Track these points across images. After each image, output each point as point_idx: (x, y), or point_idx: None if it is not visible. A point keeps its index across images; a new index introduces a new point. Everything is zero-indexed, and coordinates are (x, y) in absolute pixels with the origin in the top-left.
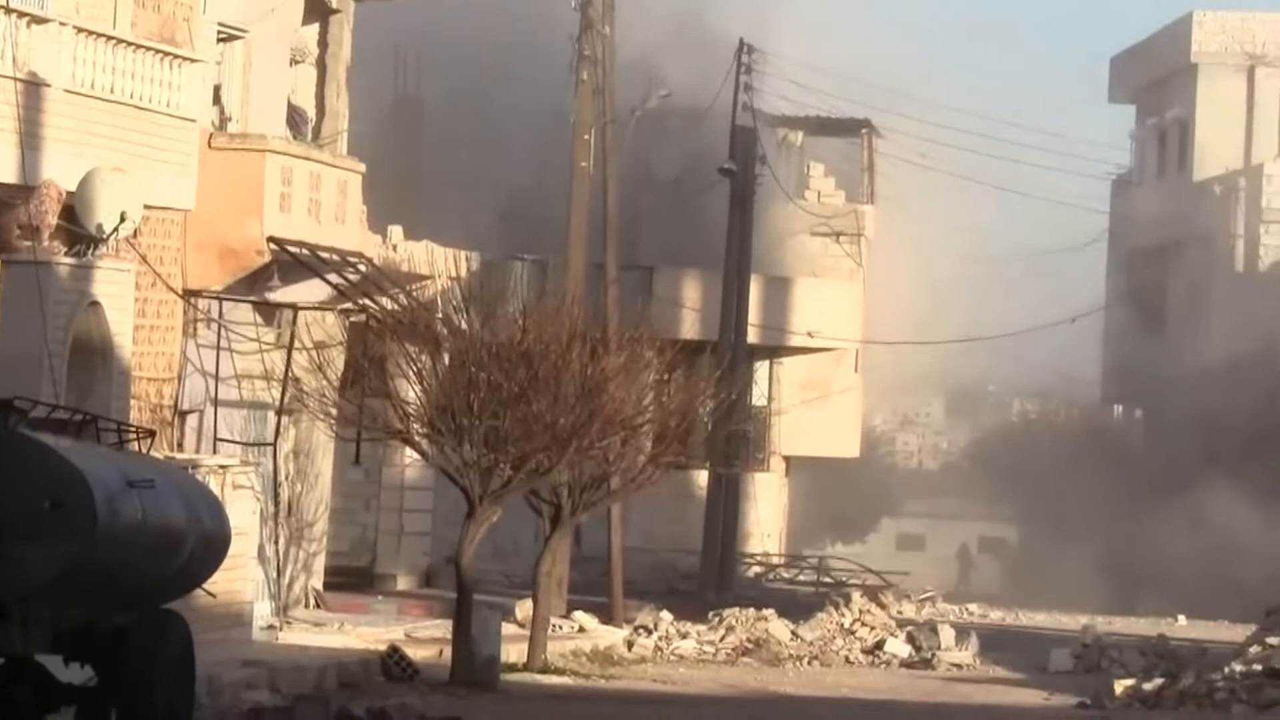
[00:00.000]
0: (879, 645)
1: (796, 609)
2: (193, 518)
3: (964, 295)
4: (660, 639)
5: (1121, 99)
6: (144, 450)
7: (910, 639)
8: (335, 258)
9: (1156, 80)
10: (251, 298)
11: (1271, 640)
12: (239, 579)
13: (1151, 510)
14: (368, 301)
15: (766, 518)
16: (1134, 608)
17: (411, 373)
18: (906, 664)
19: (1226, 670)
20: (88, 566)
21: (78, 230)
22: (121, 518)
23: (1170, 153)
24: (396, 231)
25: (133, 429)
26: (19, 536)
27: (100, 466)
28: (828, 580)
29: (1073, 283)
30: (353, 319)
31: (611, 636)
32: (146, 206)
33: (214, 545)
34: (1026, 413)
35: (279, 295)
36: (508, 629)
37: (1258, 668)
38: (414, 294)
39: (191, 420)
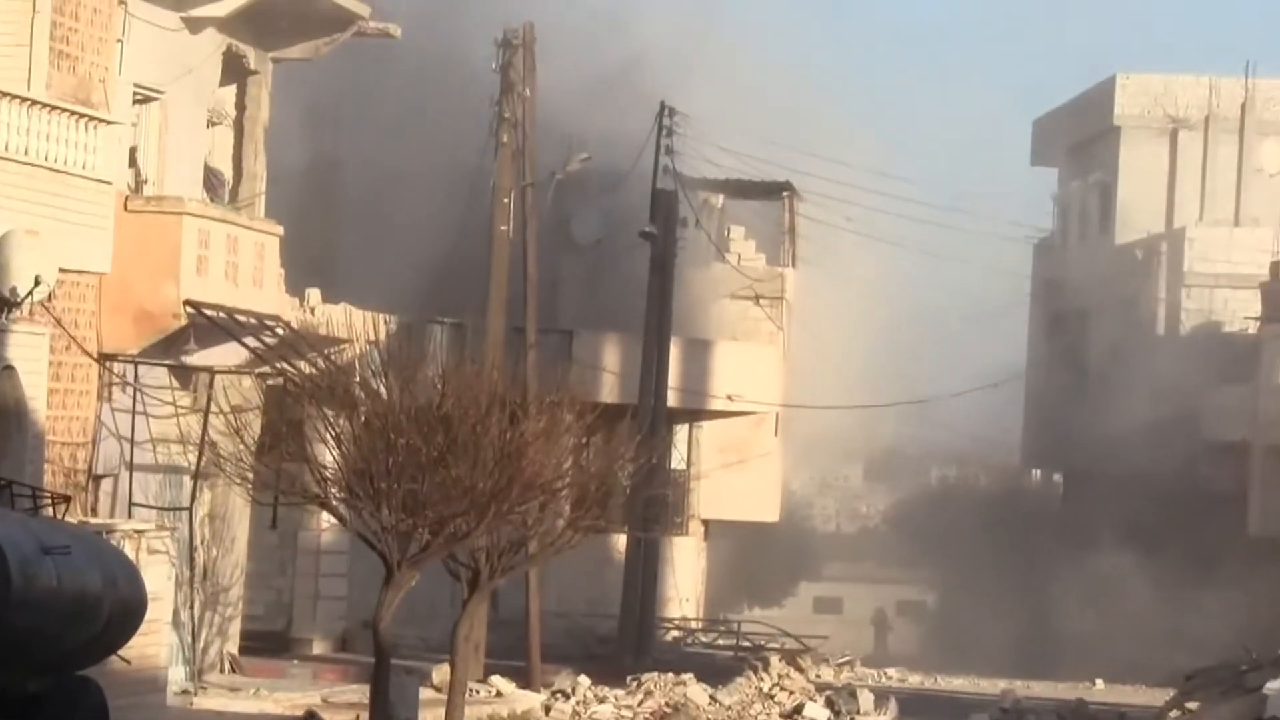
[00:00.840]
0: (798, 709)
1: (715, 673)
2: (109, 584)
3: (885, 359)
4: (578, 703)
5: (1044, 162)
6: (59, 516)
7: (829, 703)
8: (252, 321)
9: (1079, 143)
10: (168, 361)
11: (1190, 705)
12: (153, 644)
13: (1067, 576)
14: (285, 365)
15: (684, 582)
16: (1052, 672)
17: (329, 436)
18: None
19: None
20: (2, 633)
21: None
22: (37, 584)
23: (1092, 215)
24: (314, 294)
25: (48, 494)
26: None
27: (15, 532)
28: (746, 644)
29: (995, 346)
30: (270, 382)
31: (529, 701)
32: (61, 270)
33: (130, 611)
34: (946, 477)
35: (195, 359)
36: (425, 694)
37: None
38: (332, 357)
39: (106, 485)
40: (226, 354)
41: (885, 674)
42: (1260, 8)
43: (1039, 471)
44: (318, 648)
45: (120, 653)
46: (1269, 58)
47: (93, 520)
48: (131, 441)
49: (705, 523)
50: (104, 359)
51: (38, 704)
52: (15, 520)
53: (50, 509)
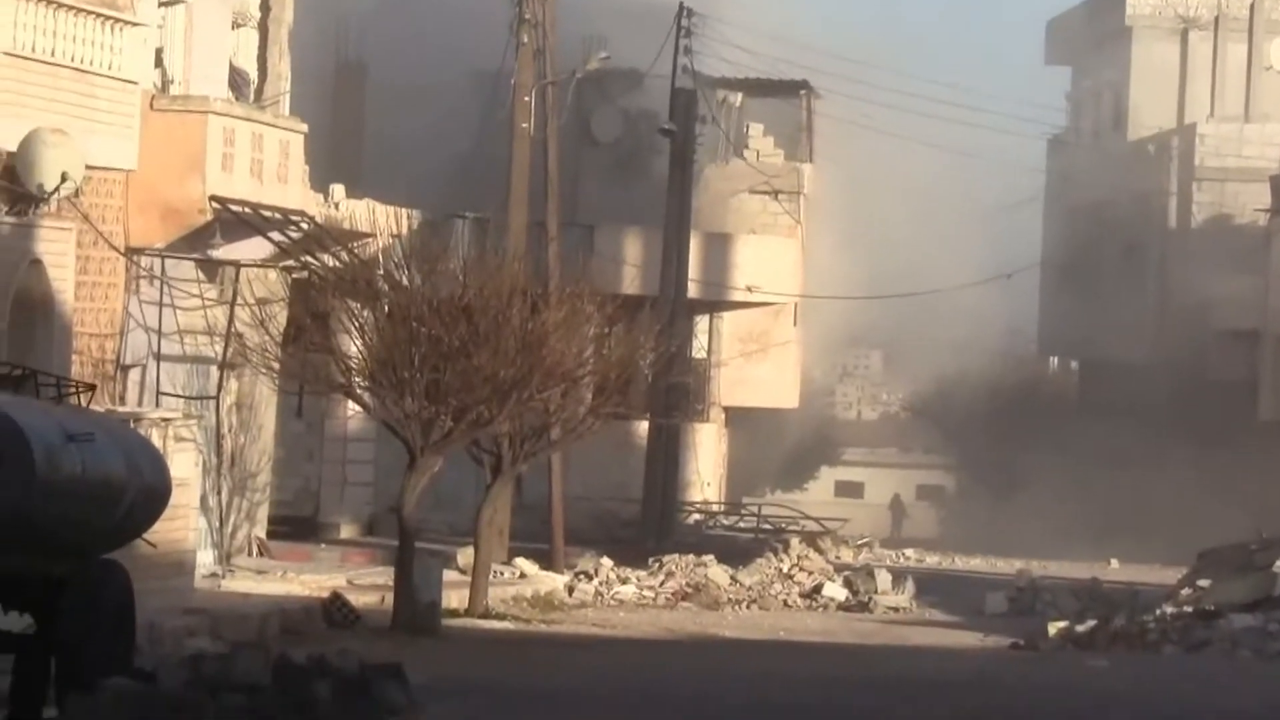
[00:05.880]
0: (817, 589)
1: (736, 555)
2: (133, 470)
3: (903, 251)
4: (601, 584)
5: (1057, 61)
6: (84, 404)
7: (847, 583)
8: (277, 216)
9: (1092, 43)
10: (194, 255)
11: (1201, 583)
12: (181, 529)
13: (1083, 461)
14: (309, 258)
15: (706, 467)
16: (1068, 553)
17: (353, 327)
18: (844, 607)
19: (1158, 612)
20: (26, 518)
21: (19, 190)
22: (60, 470)
23: (1105, 113)
24: (338, 190)
25: (72, 383)
26: None
27: (39, 420)
28: (766, 527)
29: (1011, 240)
30: (295, 275)
31: (552, 582)
32: (88, 167)
33: (154, 497)
34: (965, 365)
35: (221, 253)
36: (450, 575)
37: (1188, 609)
38: (356, 251)
39: (134, 374)
40: (252, 248)
41: (903, 555)
42: None
43: (1055, 359)
44: (345, 532)
45: (146, 537)
46: None
47: (120, 409)
48: (159, 333)
49: (726, 410)
50: (131, 253)
51: (63, 586)
52: (40, 408)
53: (75, 398)
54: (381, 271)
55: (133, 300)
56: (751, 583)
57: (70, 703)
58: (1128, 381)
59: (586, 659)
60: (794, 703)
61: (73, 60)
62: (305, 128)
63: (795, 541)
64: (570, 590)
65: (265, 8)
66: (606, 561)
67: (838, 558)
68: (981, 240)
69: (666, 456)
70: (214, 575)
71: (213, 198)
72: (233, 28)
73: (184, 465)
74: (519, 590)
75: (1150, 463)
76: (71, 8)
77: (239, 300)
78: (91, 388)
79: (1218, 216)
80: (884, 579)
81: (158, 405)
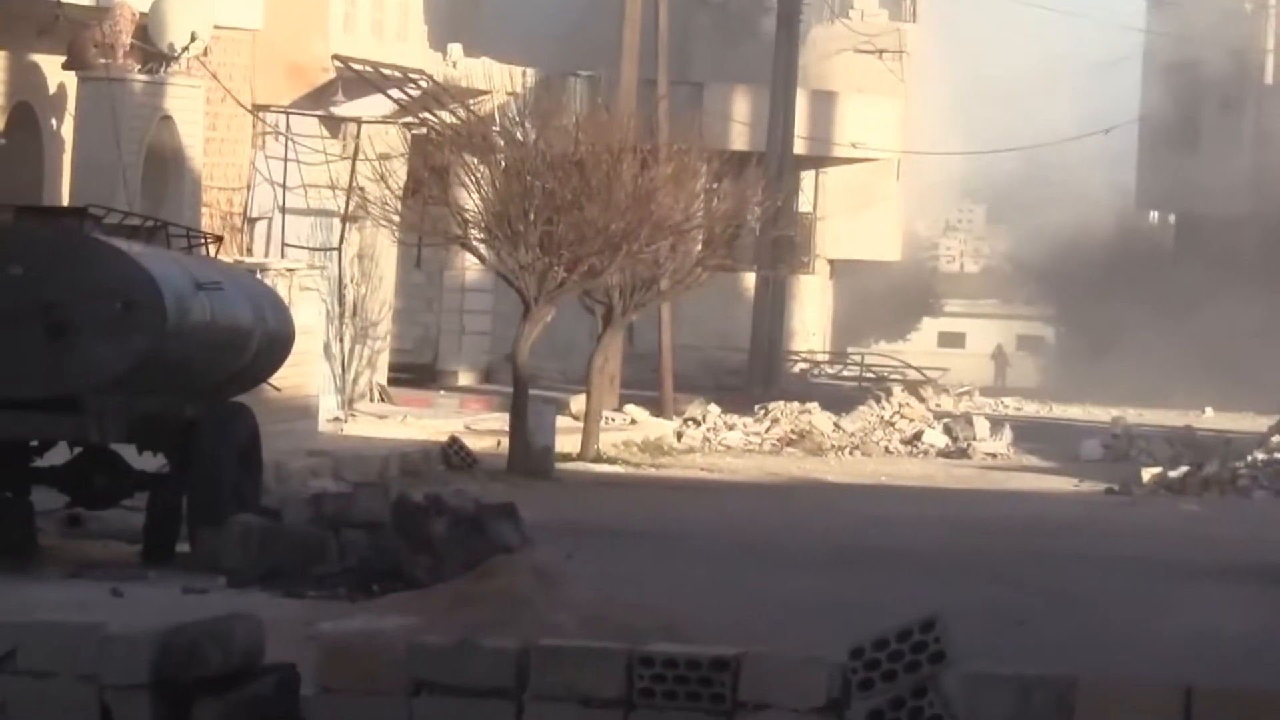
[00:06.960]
0: (917, 436)
1: (839, 402)
2: (258, 318)
3: (1003, 108)
4: (708, 430)
5: None
6: (212, 255)
7: (947, 430)
8: (397, 74)
9: None
10: (318, 112)
11: None
12: (305, 374)
13: (1182, 311)
14: (428, 115)
15: (811, 317)
16: (1164, 401)
17: (470, 181)
18: (943, 454)
19: (1249, 458)
20: (158, 362)
21: (151, 49)
22: (190, 317)
23: None
24: (456, 49)
25: (201, 234)
26: (94, 334)
27: (170, 269)
28: (870, 376)
29: (1111, 97)
30: (414, 132)
31: (662, 428)
32: (216, 26)
33: (278, 343)
34: (1065, 220)
35: (344, 110)
36: (563, 421)
37: (1278, 456)
38: (473, 108)
39: (261, 226)
40: (373, 105)
41: (1002, 403)
42: None
43: (1156, 213)
44: (463, 379)
45: (272, 382)
46: None
47: (247, 259)
48: (284, 187)
49: (831, 262)
50: (257, 110)
51: (195, 427)
52: (171, 258)
53: (204, 248)
54: (498, 127)
55: (259, 155)
56: (854, 429)
57: (201, 537)
58: (1224, 234)
59: (692, 500)
60: (890, 546)
61: None
62: None
63: (897, 390)
64: (679, 436)
65: None
66: (714, 408)
67: (938, 406)
68: (1081, 98)
69: (773, 307)
70: (337, 419)
71: (335, 56)
72: None
73: (308, 313)
74: (629, 436)
75: (1245, 314)
76: None
77: (360, 155)
78: (219, 239)
79: None
80: (982, 426)
81: (283, 256)
